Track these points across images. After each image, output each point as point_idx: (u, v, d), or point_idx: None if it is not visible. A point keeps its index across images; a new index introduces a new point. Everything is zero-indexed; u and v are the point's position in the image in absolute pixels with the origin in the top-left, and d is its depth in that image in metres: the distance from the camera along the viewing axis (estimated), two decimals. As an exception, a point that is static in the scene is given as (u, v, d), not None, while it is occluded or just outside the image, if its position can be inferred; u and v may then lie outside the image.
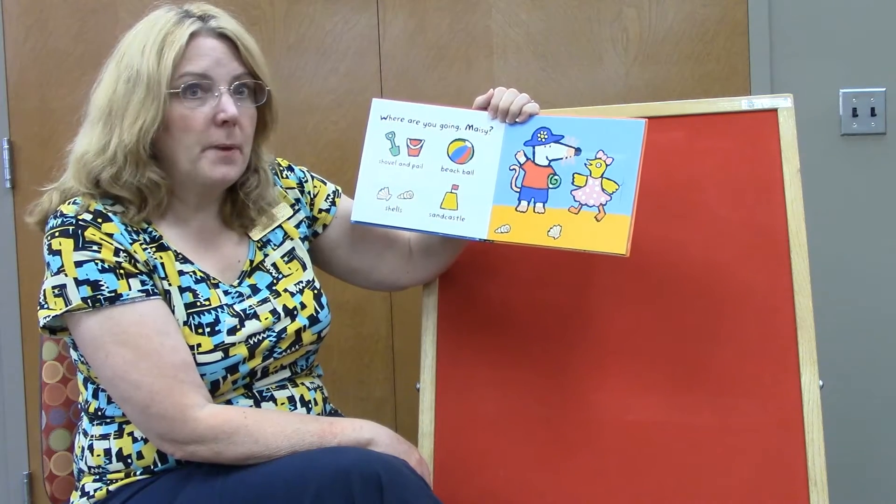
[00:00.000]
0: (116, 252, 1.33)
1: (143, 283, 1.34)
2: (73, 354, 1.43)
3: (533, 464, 1.58)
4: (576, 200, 1.46)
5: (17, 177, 2.33)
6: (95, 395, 1.42)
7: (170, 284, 1.38)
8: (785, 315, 1.53)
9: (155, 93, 1.34)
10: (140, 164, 1.36)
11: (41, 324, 1.35)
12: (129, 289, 1.33)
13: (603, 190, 1.45)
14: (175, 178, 1.40)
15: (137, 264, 1.35)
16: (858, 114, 2.23)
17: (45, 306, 1.34)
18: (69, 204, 1.37)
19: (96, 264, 1.32)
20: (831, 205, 2.22)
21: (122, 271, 1.33)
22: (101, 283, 1.31)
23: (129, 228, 1.37)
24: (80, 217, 1.34)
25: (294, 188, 1.59)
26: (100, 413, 1.41)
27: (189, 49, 1.36)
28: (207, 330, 1.38)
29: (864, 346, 2.25)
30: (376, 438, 1.39)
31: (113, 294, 1.31)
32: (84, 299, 1.31)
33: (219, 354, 1.37)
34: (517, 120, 1.52)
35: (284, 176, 1.59)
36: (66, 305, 1.31)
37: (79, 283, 1.31)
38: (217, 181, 1.40)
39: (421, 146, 1.56)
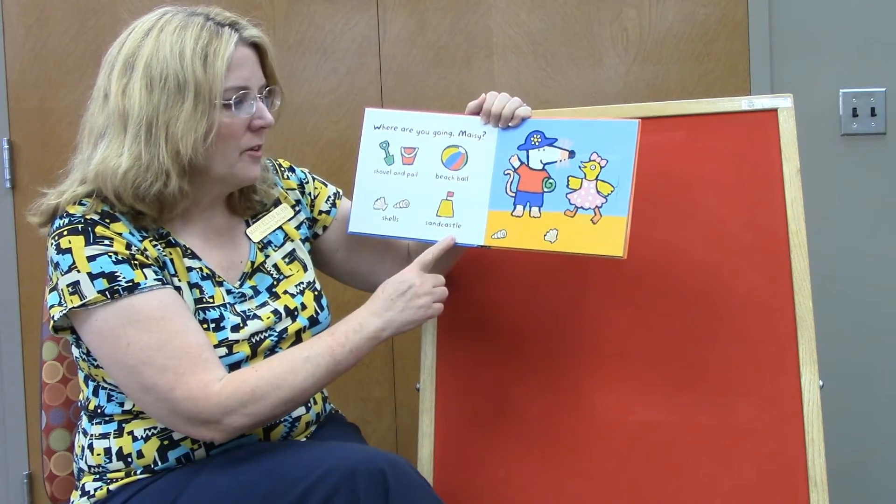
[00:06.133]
0: (128, 246, 1.34)
1: (156, 272, 1.35)
2: (75, 352, 1.42)
3: (533, 464, 1.58)
4: (571, 203, 1.46)
5: (17, 177, 2.32)
6: (96, 393, 1.42)
7: (179, 280, 1.39)
8: (785, 315, 1.53)
9: (206, 103, 1.34)
10: (182, 175, 1.36)
11: (56, 318, 1.34)
12: (146, 278, 1.33)
13: (598, 192, 1.45)
14: (197, 182, 1.40)
15: (149, 258, 1.35)
16: (858, 114, 2.23)
17: (63, 304, 1.33)
18: (75, 205, 1.37)
19: (110, 257, 1.32)
20: (831, 205, 2.22)
21: (136, 262, 1.33)
22: (116, 274, 1.31)
23: (137, 227, 1.38)
24: (87, 216, 1.35)
25: (295, 189, 1.59)
26: (99, 411, 1.41)
27: (232, 59, 1.37)
28: (213, 325, 1.38)
29: (864, 346, 2.25)
30: (384, 324, 1.41)
31: (131, 283, 1.31)
32: (101, 292, 1.30)
33: (223, 350, 1.38)
34: (510, 124, 1.51)
35: (286, 177, 1.59)
36: (82, 300, 1.31)
37: (93, 276, 1.31)
38: (251, 180, 1.45)
39: (415, 154, 1.55)
